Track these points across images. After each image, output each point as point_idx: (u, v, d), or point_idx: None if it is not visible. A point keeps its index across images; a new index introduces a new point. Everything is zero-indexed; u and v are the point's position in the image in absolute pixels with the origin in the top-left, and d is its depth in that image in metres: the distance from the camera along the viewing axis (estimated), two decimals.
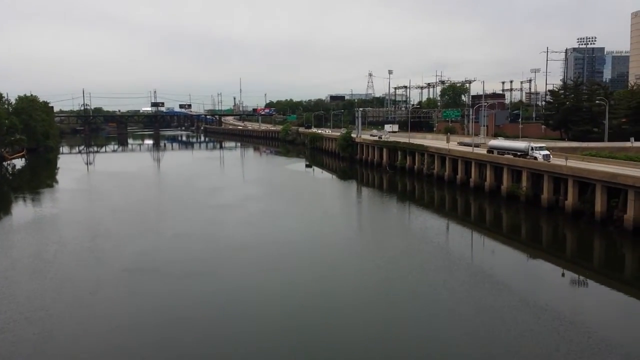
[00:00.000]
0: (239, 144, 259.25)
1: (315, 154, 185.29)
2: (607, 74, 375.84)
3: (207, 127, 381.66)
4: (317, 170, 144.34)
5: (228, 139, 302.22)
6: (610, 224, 64.02)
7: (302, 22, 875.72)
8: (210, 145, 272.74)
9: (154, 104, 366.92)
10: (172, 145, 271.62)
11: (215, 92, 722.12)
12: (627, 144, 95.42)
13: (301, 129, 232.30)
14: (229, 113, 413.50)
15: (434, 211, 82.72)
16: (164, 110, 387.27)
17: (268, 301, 41.89)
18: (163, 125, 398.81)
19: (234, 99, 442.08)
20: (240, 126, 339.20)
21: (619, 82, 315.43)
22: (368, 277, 48.33)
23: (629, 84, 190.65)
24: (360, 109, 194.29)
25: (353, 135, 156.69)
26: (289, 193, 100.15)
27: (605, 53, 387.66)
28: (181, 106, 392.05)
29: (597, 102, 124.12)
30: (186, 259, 53.46)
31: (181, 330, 36.39)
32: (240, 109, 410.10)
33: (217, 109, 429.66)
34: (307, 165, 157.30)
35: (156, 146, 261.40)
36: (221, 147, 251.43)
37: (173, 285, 45.76)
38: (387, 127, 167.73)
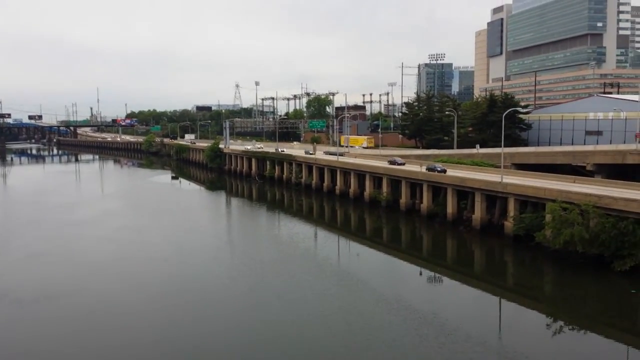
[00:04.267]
0: (97, 157, 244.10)
1: (182, 165, 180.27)
2: (455, 87, 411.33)
3: (61, 140, 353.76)
4: (184, 182, 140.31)
5: (85, 151, 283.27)
6: (461, 224, 69.73)
7: (166, 31, 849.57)
8: (65, 158, 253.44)
9: None
10: (20, 160, 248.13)
11: (70, 102, 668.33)
12: (474, 151, 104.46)
13: (166, 140, 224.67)
14: (85, 124, 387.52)
15: (302, 218, 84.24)
16: (11, 122, 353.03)
17: (133, 318, 39.87)
18: (10, 138, 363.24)
19: (91, 109, 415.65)
20: (99, 138, 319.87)
21: (466, 94, 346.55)
22: (237, 284, 48.24)
23: (474, 97, 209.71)
24: (228, 119, 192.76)
25: (221, 145, 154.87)
26: (153, 206, 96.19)
27: (453, 68, 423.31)
28: (30, 117, 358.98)
29: (447, 113, 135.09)
30: (37, 281, 49.08)
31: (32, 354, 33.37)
32: (98, 119, 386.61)
33: (72, 119, 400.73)
34: (173, 177, 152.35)
35: (1, 161, 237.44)
36: (77, 160, 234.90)
37: (22, 310, 41.76)
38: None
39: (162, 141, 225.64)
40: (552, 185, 61.33)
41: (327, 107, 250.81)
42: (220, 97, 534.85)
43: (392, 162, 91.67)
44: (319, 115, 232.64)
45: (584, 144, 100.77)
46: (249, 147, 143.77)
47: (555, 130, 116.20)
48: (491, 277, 53.16)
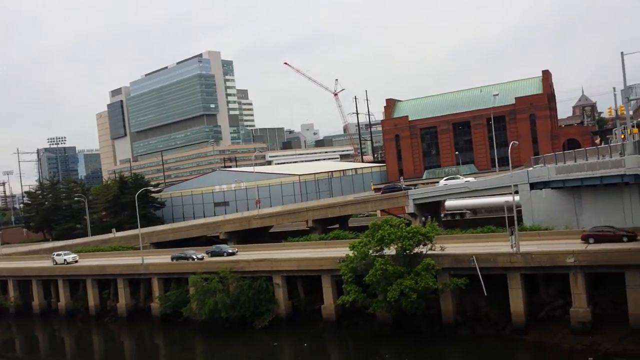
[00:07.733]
0: None
1: None
2: (82, 172, 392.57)
3: None
4: None
5: None
6: (106, 316, 65.18)
7: None
8: None
9: None
10: None
11: None
12: (110, 236, 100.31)
13: None
14: None
15: None
16: None
17: None
18: None
19: None
20: None
21: (94, 178, 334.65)
22: None
23: (104, 180, 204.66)
24: None
25: None
26: None
27: (77, 152, 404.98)
28: None
29: (76, 199, 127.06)
30: None
31: None
32: None
33: None
34: None
35: None
36: None
37: None
38: None
39: None
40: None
41: None
42: None
43: None
44: None
45: (215, 215, 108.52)
46: None
47: (188, 205, 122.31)
48: None
